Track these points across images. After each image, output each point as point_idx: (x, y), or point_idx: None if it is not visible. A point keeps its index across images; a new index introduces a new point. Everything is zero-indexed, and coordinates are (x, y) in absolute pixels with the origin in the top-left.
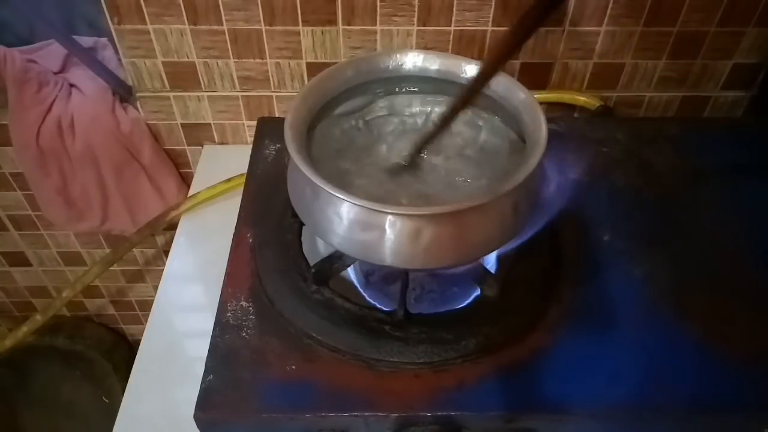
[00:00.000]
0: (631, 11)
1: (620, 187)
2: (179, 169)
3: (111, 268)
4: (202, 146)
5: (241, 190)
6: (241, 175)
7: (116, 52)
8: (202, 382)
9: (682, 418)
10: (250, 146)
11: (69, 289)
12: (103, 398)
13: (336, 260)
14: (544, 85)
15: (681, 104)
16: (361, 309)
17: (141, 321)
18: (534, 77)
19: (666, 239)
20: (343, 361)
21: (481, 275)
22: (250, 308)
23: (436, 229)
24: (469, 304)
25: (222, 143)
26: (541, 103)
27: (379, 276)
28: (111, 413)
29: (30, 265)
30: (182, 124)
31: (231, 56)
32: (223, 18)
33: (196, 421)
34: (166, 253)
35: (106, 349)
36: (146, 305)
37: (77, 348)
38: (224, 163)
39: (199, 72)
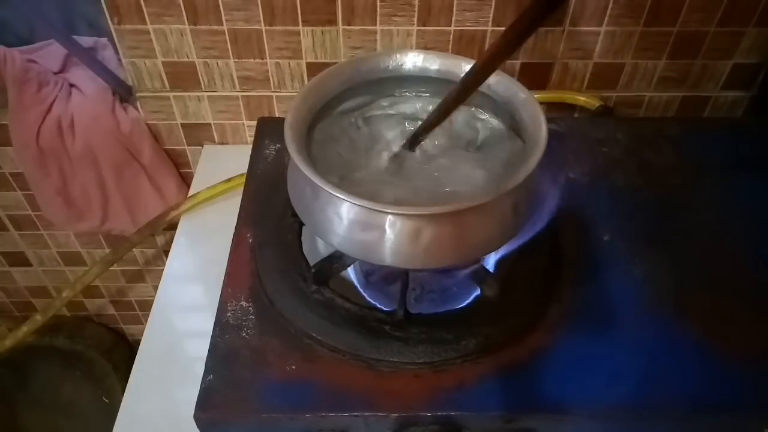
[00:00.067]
0: (631, 11)
1: (620, 187)
2: (179, 169)
3: (111, 268)
4: (202, 146)
5: (241, 190)
6: (241, 175)
7: (116, 52)
8: (202, 382)
9: (682, 418)
10: (250, 146)
11: (69, 289)
12: (103, 398)
13: (336, 260)
14: (544, 85)
15: (681, 104)
16: (361, 309)
17: (141, 321)
18: (534, 77)
19: (666, 239)
20: (343, 361)
21: (481, 275)
22: (250, 308)
23: (436, 229)
24: (469, 304)
25: (222, 143)
26: (541, 103)
27: (379, 276)
28: (111, 413)
29: (30, 265)
30: (182, 124)
31: (231, 56)
32: (223, 18)
33: (196, 421)
34: (166, 253)
35: (106, 349)
36: (146, 305)
37: (77, 348)
38: (224, 163)
39: (199, 72)
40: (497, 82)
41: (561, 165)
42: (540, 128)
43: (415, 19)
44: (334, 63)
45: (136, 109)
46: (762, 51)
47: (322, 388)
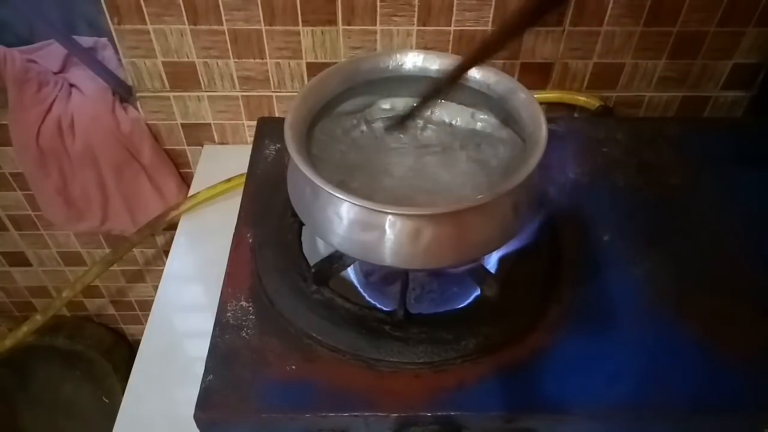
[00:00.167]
0: (631, 11)
1: (620, 187)
2: (179, 169)
3: (111, 268)
4: (202, 146)
5: (241, 190)
6: (241, 175)
7: (116, 52)
8: (202, 382)
9: (682, 418)
10: (250, 146)
11: (69, 289)
12: (103, 398)
13: (336, 260)
14: (544, 85)
15: (681, 104)
16: (361, 309)
17: (141, 321)
18: (534, 77)
19: (666, 239)
20: (343, 361)
21: (481, 275)
22: (250, 308)
23: (436, 229)
24: (469, 304)
25: (222, 143)
26: (541, 103)
27: (379, 276)
28: (111, 413)
29: (30, 265)
30: (182, 124)
31: (231, 56)
32: (223, 18)
33: (196, 421)
34: (166, 253)
35: (106, 349)
36: (146, 305)
37: (77, 348)
38: (224, 163)
39: (199, 72)
40: (497, 82)
41: (561, 165)
42: (540, 128)
43: (415, 19)
44: (334, 63)
45: (136, 109)
46: (762, 51)
47: (322, 388)
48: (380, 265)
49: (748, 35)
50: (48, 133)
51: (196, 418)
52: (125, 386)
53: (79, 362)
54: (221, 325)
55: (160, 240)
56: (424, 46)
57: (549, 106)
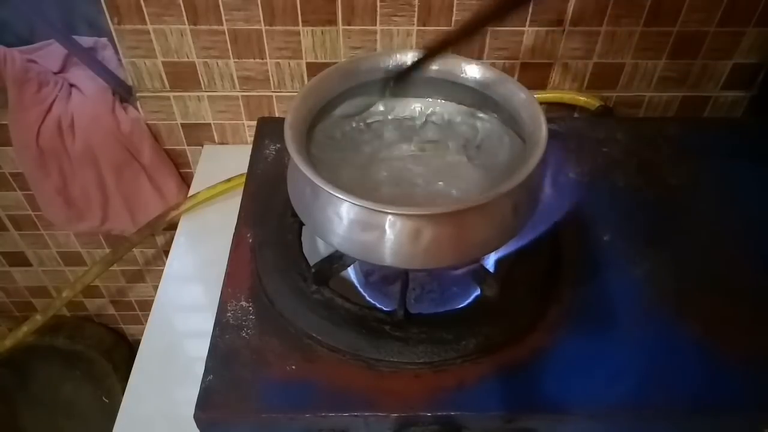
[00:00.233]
0: (631, 11)
1: (620, 187)
2: (179, 169)
3: (111, 268)
4: (202, 146)
5: (241, 190)
6: (241, 175)
7: (116, 52)
8: (202, 382)
9: (682, 418)
10: (250, 146)
11: (69, 289)
12: (103, 398)
13: (336, 260)
14: (544, 85)
15: (681, 104)
16: (361, 309)
17: (141, 321)
18: (534, 77)
19: (666, 239)
20: (343, 361)
21: (481, 275)
22: (250, 308)
23: (436, 229)
24: (469, 304)
25: (222, 143)
26: (541, 103)
27: (379, 276)
28: (111, 413)
29: (30, 265)
30: (182, 124)
31: (231, 56)
32: (223, 18)
33: (196, 421)
34: (166, 253)
35: (106, 349)
36: (146, 305)
37: (77, 348)
38: (224, 163)
39: (199, 72)
40: (497, 82)
41: (561, 165)
42: (540, 128)
43: (415, 19)
44: (334, 63)
45: (136, 109)
46: (762, 51)
47: (322, 388)
48: (380, 265)
49: (748, 35)
50: (48, 133)
51: (196, 418)
52: (125, 386)
53: (79, 362)
54: (221, 325)
55: (160, 240)
56: (423, 46)
57: (549, 106)
